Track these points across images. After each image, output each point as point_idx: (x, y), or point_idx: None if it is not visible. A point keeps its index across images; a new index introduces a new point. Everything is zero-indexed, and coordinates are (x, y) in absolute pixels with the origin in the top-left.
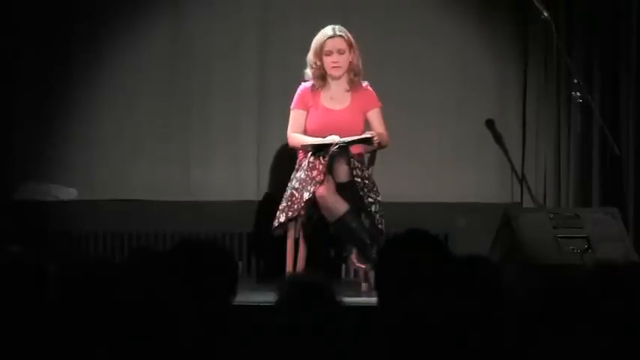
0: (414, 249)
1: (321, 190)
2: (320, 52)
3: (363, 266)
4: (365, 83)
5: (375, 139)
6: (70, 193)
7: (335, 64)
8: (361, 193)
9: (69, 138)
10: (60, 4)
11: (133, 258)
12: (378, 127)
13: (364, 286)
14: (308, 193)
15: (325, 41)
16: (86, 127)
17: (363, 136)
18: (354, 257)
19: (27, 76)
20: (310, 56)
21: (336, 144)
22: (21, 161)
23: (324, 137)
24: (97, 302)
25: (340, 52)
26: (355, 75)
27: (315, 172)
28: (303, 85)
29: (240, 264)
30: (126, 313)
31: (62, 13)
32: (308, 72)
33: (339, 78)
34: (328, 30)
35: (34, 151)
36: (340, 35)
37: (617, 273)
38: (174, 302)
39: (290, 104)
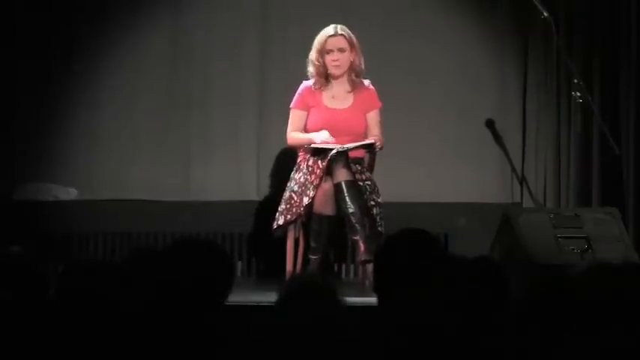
0: (411, 249)
1: (325, 186)
2: (321, 51)
3: (369, 262)
4: (367, 82)
5: (377, 144)
6: (70, 193)
7: (335, 63)
8: (364, 195)
9: (69, 138)
10: (60, 3)
11: (132, 258)
12: (374, 129)
13: (367, 284)
14: (307, 198)
15: (327, 40)
16: (86, 127)
17: (366, 142)
18: (361, 252)
19: (27, 76)
20: (312, 54)
21: (336, 149)
22: (21, 161)
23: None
24: (96, 303)
25: (341, 50)
26: (357, 75)
27: (313, 177)
28: (304, 84)
29: (239, 264)
30: (123, 315)
31: (62, 12)
32: (311, 70)
33: (339, 77)
34: (330, 29)
35: (34, 151)
36: (341, 34)
37: (616, 273)
38: (169, 302)
39: (290, 104)
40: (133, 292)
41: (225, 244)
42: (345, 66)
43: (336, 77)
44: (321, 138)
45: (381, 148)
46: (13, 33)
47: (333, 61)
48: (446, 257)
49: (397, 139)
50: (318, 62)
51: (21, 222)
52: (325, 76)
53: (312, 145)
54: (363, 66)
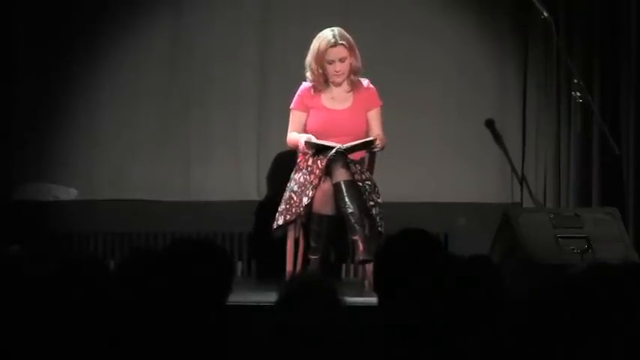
0: (411, 249)
1: (325, 186)
2: (322, 60)
3: (368, 261)
4: (366, 82)
5: (377, 142)
6: (70, 193)
7: (337, 73)
8: (364, 196)
9: (69, 138)
10: (60, 3)
11: (130, 258)
12: (375, 128)
13: (367, 284)
14: (307, 198)
15: (327, 50)
16: (86, 127)
17: (366, 139)
18: (360, 251)
19: (26, 76)
20: (311, 62)
21: (335, 149)
22: (21, 161)
23: (326, 138)
24: (92, 302)
25: (342, 60)
26: (355, 75)
27: (312, 177)
28: (304, 85)
29: (239, 264)
30: (121, 314)
31: (62, 12)
32: (309, 76)
33: (341, 84)
34: (329, 36)
35: (34, 151)
36: (342, 43)
37: (616, 273)
38: (169, 302)
39: (290, 104)
40: (132, 291)
41: (225, 244)
42: (347, 73)
43: (337, 85)
44: (305, 139)
45: (382, 148)
46: (12, 33)
47: (336, 71)
48: (446, 257)
49: (397, 139)
50: (318, 72)
51: (21, 222)
52: (325, 82)
53: (312, 141)
54: (360, 64)
